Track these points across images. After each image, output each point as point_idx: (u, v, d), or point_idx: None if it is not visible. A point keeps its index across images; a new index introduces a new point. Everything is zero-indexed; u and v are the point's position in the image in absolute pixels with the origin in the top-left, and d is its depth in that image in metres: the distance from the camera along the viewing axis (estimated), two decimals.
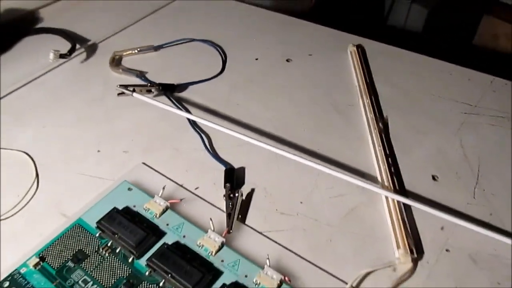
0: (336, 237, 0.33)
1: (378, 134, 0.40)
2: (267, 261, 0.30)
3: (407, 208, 0.35)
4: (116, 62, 0.51)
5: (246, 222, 0.34)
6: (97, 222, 0.33)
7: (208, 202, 0.35)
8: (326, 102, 0.45)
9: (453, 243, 0.33)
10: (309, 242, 0.33)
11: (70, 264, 0.31)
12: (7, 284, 0.30)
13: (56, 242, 0.33)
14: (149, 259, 0.31)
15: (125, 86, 0.43)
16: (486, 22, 1.11)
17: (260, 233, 0.33)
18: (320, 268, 0.31)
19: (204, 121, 0.40)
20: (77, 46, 0.53)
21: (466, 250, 0.32)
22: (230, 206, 0.34)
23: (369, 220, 0.34)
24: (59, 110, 0.45)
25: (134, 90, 0.43)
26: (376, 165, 0.38)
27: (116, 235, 0.32)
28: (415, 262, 0.31)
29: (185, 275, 0.29)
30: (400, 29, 1.07)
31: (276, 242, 0.33)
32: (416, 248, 0.32)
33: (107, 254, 0.32)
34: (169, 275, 0.30)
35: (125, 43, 0.54)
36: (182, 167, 0.39)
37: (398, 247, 0.32)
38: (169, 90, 0.45)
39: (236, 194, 0.35)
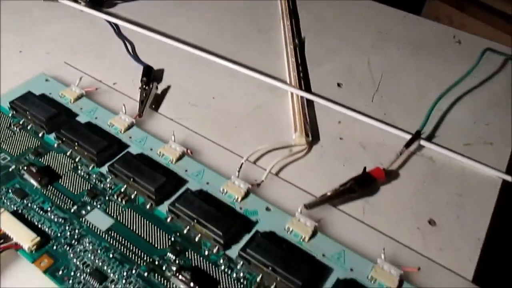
0: (241, 125, 0.36)
1: (293, 49, 0.43)
2: (172, 137, 0.32)
3: (310, 104, 0.38)
4: None
5: (159, 111, 0.36)
6: (10, 102, 0.34)
7: (124, 94, 0.37)
8: (250, 24, 0.47)
9: (347, 134, 0.36)
10: (216, 128, 0.35)
11: None
12: None
13: None
14: (59, 132, 0.32)
15: None
16: (430, 4, 1.17)
17: (171, 119, 0.35)
18: (222, 147, 0.33)
19: (128, 25, 0.42)
20: None
21: (358, 139, 0.35)
22: (144, 95, 0.36)
23: (275, 114, 0.37)
24: None
25: None
26: (287, 72, 0.40)
27: (27, 112, 0.33)
28: (310, 145, 0.34)
29: (90, 143, 0.31)
30: None
31: (184, 126, 0.35)
32: (313, 136, 0.35)
33: (18, 130, 0.33)
34: (76, 143, 0.31)
35: None
36: (103, 67, 0.40)
37: (295, 130, 0.34)
38: (97, 4, 0.46)
39: (151, 86, 0.37)
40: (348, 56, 0.44)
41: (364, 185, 0.31)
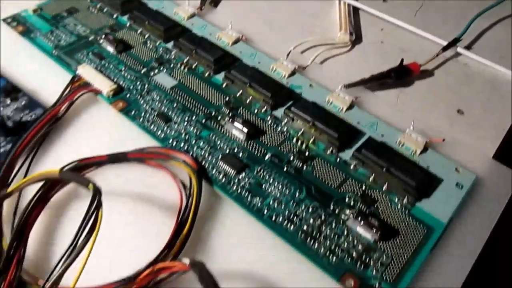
0: (291, 26, 0.39)
1: None
2: (230, 25, 0.36)
3: (356, 13, 0.40)
4: None
5: (217, 8, 0.40)
6: None
7: None
8: None
9: (388, 39, 0.39)
10: (267, 26, 0.39)
11: (64, 13, 0.37)
12: (10, 20, 0.36)
13: (53, 2, 0.38)
14: (132, 13, 0.36)
15: None
16: None
17: (227, 14, 0.39)
18: (273, 38, 0.37)
19: None
20: None
21: (398, 44, 0.38)
22: None
23: (322, 19, 0.40)
24: None
25: None
26: None
27: None
28: (352, 44, 0.37)
29: (158, 22, 0.35)
30: None
31: (239, 20, 0.38)
32: (356, 38, 0.38)
33: (95, 11, 0.38)
34: (147, 22, 0.35)
35: None
36: None
37: (340, 29, 0.38)
38: None
39: None
40: None
41: (400, 74, 0.34)
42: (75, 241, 0.20)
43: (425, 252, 0.24)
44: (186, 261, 0.20)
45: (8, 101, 0.30)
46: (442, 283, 0.23)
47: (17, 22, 0.36)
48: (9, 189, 0.23)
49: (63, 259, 0.20)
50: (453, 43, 0.37)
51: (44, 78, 0.32)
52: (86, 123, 0.30)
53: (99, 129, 0.30)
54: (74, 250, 0.20)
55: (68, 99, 0.30)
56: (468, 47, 0.38)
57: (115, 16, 0.37)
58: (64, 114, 0.29)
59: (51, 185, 0.24)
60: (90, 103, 0.31)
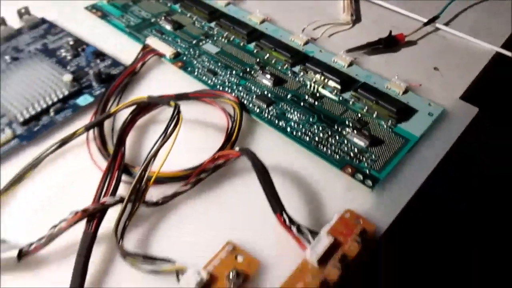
0: (303, 11, 0.50)
1: None
2: (257, 10, 0.47)
3: (357, 1, 0.51)
4: None
5: (248, 2, 0.51)
6: None
7: None
8: None
9: (382, 19, 0.49)
10: (286, 10, 0.49)
11: (130, 3, 0.48)
12: (90, 8, 0.48)
13: None
14: (182, 1, 0.47)
15: None
16: None
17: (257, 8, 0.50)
18: (290, 18, 0.47)
19: None
20: None
21: (390, 22, 0.48)
22: None
23: (331, 5, 0.50)
24: None
25: None
26: None
27: None
28: (353, 23, 0.48)
29: (202, 7, 0.46)
30: None
31: (265, 8, 0.49)
32: (356, 18, 0.48)
33: (153, 1, 0.49)
34: (194, 8, 0.46)
35: None
36: None
37: (343, 12, 0.48)
38: None
39: None
40: None
41: (388, 42, 0.44)
42: (165, 132, 0.30)
43: (402, 153, 0.33)
44: (237, 148, 0.30)
45: (98, 61, 0.41)
46: (413, 174, 0.33)
47: (96, 9, 0.47)
48: (112, 110, 0.34)
49: (155, 146, 0.30)
50: (433, 19, 0.47)
51: (121, 47, 0.43)
52: (155, 77, 0.41)
53: (164, 81, 0.40)
54: (164, 139, 0.30)
55: (141, 60, 0.40)
56: (447, 24, 0.48)
57: (169, 4, 0.48)
58: (139, 70, 0.40)
59: (139, 111, 0.35)
60: (157, 63, 0.42)
